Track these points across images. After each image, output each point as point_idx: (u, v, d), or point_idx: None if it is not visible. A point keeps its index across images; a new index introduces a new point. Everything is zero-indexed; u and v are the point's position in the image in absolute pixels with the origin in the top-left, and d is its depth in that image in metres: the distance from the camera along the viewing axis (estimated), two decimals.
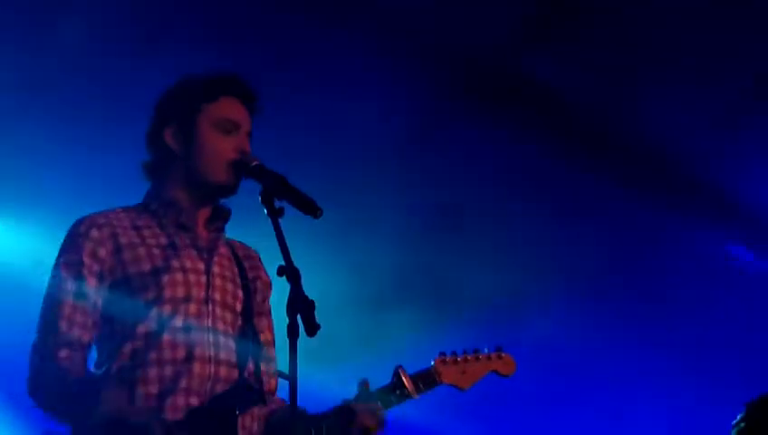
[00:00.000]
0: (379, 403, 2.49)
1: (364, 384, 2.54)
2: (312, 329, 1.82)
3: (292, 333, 1.82)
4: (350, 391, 2.50)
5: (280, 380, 2.42)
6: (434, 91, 5.28)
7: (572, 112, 5.43)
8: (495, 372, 2.80)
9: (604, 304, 6.10)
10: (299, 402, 1.85)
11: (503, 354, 2.83)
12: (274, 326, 2.48)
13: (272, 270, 2.07)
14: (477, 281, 5.78)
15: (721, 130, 5.49)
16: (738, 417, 3.82)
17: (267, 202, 2.11)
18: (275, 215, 2.08)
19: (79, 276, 2.22)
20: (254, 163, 2.25)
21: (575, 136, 5.50)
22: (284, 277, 1.93)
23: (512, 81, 5.33)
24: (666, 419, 6.50)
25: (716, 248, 6.06)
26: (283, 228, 2.06)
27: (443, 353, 2.72)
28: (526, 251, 5.91)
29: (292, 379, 1.81)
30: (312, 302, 1.85)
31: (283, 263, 1.95)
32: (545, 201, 5.85)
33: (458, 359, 2.72)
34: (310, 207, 2.11)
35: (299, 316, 1.84)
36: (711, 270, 6.09)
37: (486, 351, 2.81)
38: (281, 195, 2.13)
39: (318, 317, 1.85)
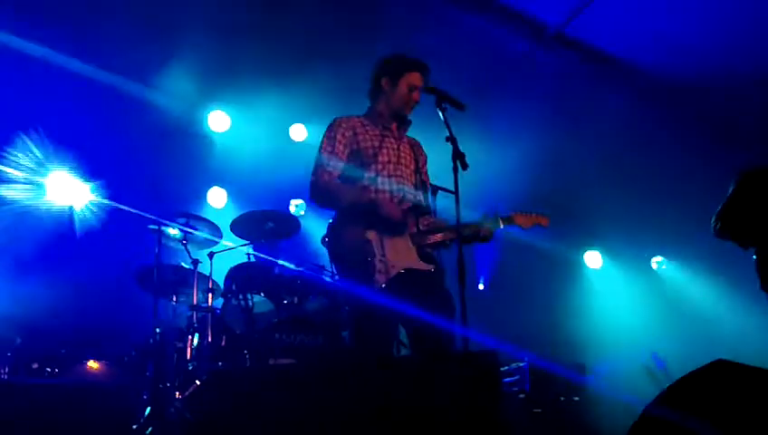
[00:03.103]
0: (490, 225, 4.44)
1: (485, 214, 4.49)
2: (464, 166, 3.81)
3: (456, 170, 3.83)
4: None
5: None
6: None
7: None
8: (539, 224, 4.61)
9: None
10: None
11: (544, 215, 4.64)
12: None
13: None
14: None
15: None
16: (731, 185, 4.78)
17: (439, 104, 4.18)
18: (443, 111, 4.17)
19: (334, 143, 4.39)
20: (430, 86, 4.37)
21: None
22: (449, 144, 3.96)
23: None
24: None
25: None
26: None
27: (519, 210, 4.58)
28: None
29: (456, 194, 3.84)
30: (463, 153, 3.84)
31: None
32: None
33: (525, 213, 4.57)
34: (459, 105, 4.19)
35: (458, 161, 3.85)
36: None
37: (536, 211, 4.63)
38: (446, 101, 4.20)
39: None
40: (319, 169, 4.35)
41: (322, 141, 4.46)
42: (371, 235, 4.04)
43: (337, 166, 4.34)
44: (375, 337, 4.00)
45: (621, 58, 8.62)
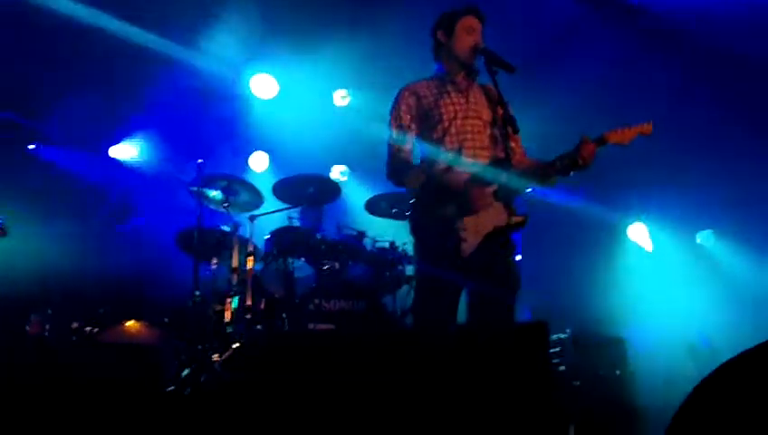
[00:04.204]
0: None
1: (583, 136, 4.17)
2: (515, 130, 3.74)
3: (506, 135, 3.74)
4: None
5: None
6: None
7: None
8: (641, 133, 4.14)
9: None
10: None
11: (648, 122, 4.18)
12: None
13: None
14: None
15: None
16: None
17: (488, 67, 4.03)
18: (493, 73, 4.04)
19: (400, 114, 4.31)
20: (482, 47, 4.20)
21: None
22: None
23: None
24: None
25: None
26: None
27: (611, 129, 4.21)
28: None
29: (506, 159, 3.74)
30: (514, 117, 3.75)
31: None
32: None
33: (619, 130, 4.13)
34: (509, 68, 4.04)
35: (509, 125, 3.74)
36: None
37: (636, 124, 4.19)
38: (495, 63, 4.05)
39: None
40: (390, 147, 4.28)
41: (390, 115, 4.37)
42: (453, 213, 3.96)
43: (406, 139, 4.25)
44: (436, 308, 3.96)
45: (674, 28, 8.36)
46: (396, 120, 4.30)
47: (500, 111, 4.25)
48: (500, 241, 4.04)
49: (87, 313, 6.17)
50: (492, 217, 4.02)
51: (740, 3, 7.68)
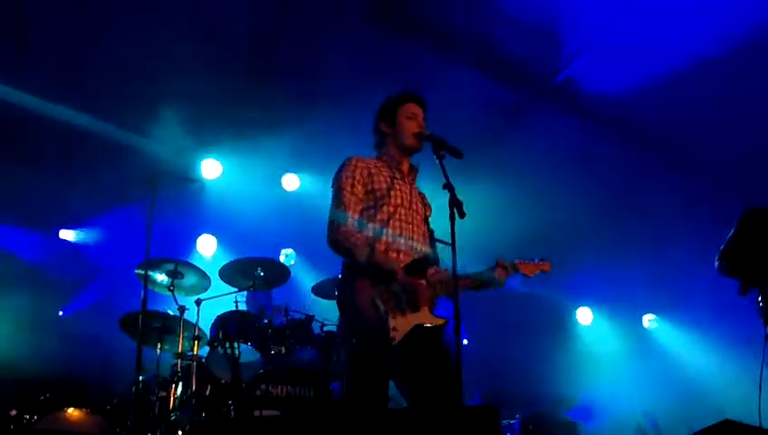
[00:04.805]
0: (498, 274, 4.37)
1: (498, 260, 4.41)
2: (461, 214, 3.75)
3: (452, 217, 3.78)
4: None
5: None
6: None
7: None
8: (542, 271, 4.56)
9: None
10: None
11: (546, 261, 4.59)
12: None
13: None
14: None
15: None
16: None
17: (436, 151, 4.10)
18: (441, 158, 4.09)
19: (353, 182, 4.26)
20: (428, 133, 4.28)
21: None
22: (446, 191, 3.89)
23: None
24: None
25: None
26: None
27: (520, 258, 4.52)
28: None
29: (453, 244, 3.78)
30: (461, 201, 3.79)
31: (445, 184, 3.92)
32: None
33: (526, 262, 4.52)
34: (457, 153, 4.10)
35: (455, 209, 3.79)
36: None
37: (538, 259, 4.58)
38: (442, 148, 4.13)
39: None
40: (335, 223, 4.19)
41: (338, 183, 4.29)
42: (384, 292, 3.95)
43: (355, 214, 4.21)
44: (372, 391, 3.90)
45: (613, 108, 8.65)
46: (348, 186, 4.24)
47: (428, 213, 4.46)
48: (430, 333, 4.02)
49: (27, 399, 5.98)
50: (420, 312, 4.02)
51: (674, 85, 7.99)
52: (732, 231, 5.13)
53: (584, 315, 10.58)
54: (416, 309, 3.98)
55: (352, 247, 4.07)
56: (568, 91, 8.50)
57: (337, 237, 4.14)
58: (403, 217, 4.24)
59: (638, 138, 8.93)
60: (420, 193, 4.51)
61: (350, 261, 4.10)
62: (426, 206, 4.51)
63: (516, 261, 4.46)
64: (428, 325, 4.01)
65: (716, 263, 5.17)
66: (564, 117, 8.72)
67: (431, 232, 4.43)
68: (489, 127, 8.51)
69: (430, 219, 4.50)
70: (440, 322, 4.06)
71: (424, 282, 4.08)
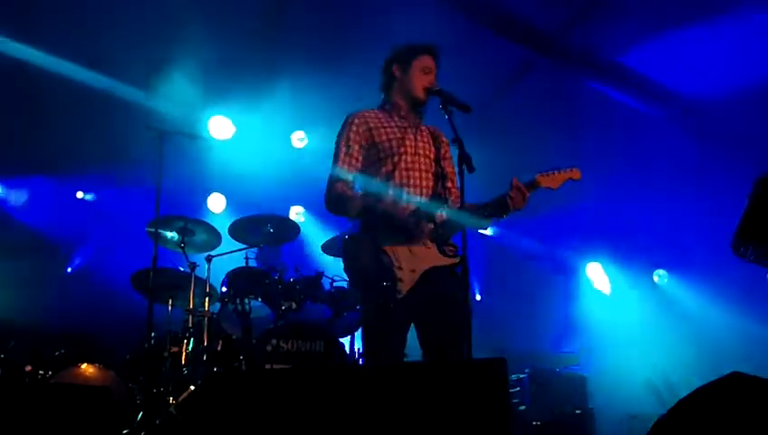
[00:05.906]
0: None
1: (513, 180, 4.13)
2: (470, 169, 3.72)
3: (461, 173, 3.76)
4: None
5: None
6: None
7: None
8: (570, 178, 4.12)
9: None
10: None
11: (574, 168, 4.18)
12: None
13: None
14: None
15: None
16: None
17: (444, 105, 4.05)
18: (448, 112, 4.05)
19: (349, 143, 4.26)
20: (437, 88, 4.22)
21: None
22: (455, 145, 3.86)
23: None
24: None
25: None
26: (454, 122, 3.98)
27: (541, 172, 4.17)
28: None
29: (462, 198, 3.76)
30: (470, 156, 3.76)
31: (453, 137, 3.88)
32: None
33: (548, 173, 4.14)
34: (465, 108, 4.04)
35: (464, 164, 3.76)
36: None
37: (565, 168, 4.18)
38: (452, 103, 4.07)
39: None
40: (332, 180, 4.20)
41: (337, 142, 4.30)
42: (388, 245, 3.93)
43: (351, 172, 4.19)
44: (384, 346, 3.91)
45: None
46: (345, 146, 4.24)
47: (443, 151, 4.36)
48: (439, 279, 3.99)
49: (41, 355, 6.05)
50: (427, 256, 4.01)
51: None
52: (747, 206, 4.68)
53: (595, 271, 10.57)
54: (418, 235, 3.98)
55: (345, 201, 4.10)
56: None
57: (329, 195, 4.18)
58: (409, 165, 4.22)
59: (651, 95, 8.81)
60: (431, 132, 4.44)
61: (345, 217, 4.15)
62: (440, 144, 4.40)
63: (537, 176, 4.07)
64: (440, 265, 4.00)
65: (734, 245, 4.72)
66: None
67: (443, 173, 4.33)
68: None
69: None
70: (451, 261, 4.04)
71: (429, 226, 4.06)
